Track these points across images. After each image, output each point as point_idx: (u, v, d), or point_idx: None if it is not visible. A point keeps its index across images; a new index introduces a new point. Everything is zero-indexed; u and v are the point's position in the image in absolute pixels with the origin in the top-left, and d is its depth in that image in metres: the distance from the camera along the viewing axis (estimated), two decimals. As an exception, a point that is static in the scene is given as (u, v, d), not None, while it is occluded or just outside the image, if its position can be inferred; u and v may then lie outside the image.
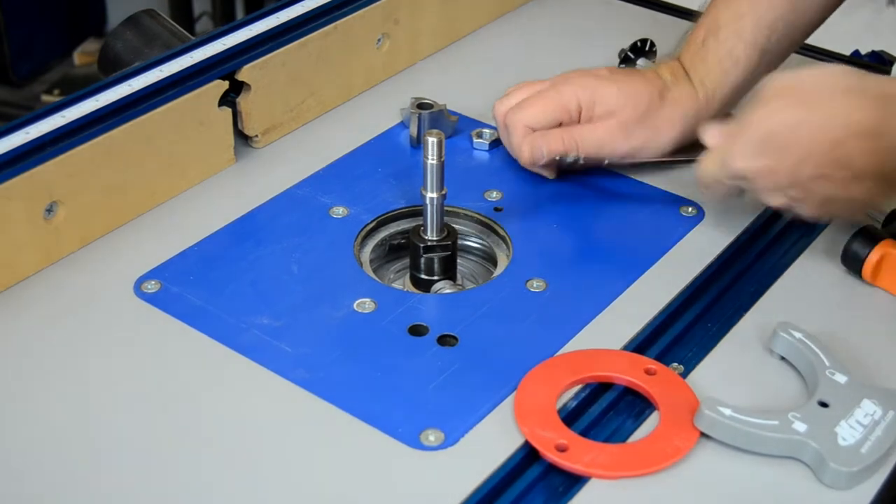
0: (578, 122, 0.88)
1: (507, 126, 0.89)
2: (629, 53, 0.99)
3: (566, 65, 1.00)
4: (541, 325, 0.76)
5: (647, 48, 1.00)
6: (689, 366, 0.73)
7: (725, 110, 0.89)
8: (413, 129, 0.93)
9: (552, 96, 0.88)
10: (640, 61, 0.99)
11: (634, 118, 0.87)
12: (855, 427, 0.66)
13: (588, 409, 0.70)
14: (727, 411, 0.66)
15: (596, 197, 0.88)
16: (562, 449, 0.66)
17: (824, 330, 0.74)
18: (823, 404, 0.68)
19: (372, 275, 0.82)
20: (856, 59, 1.05)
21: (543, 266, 0.81)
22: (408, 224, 0.87)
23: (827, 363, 0.70)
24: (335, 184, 0.89)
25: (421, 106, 0.94)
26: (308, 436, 0.68)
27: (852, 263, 0.79)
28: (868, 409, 0.67)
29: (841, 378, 0.69)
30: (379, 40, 1.01)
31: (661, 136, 0.87)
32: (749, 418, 0.66)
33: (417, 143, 0.93)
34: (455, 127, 0.95)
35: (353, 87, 1.00)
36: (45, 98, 2.56)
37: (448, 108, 0.95)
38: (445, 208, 0.82)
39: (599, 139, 0.87)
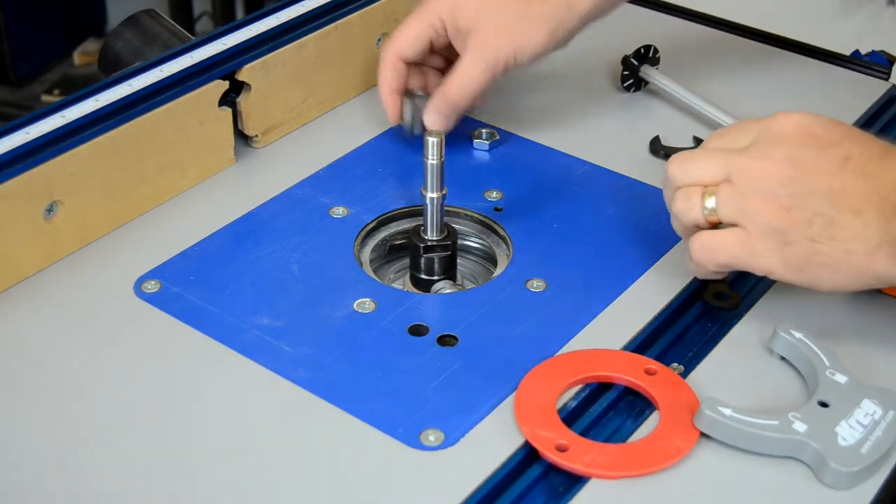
0: (447, 37, 0.89)
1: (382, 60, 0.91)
2: (632, 60, 0.99)
3: (566, 65, 1.00)
4: (541, 325, 0.76)
5: (650, 54, 1.00)
6: (689, 366, 0.73)
7: (586, 21, 0.90)
8: (407, 116, 0.92)
9: (415, 19, 0.90)
10: (644, 68, 0.99)
11: (502, 23, 0.87)
12: (855, 427, 0.66)
13: (588, 409, 0.70)
14: (727, 411, 0.66)
15: (596, 197, 0.88)
16: (562, 449, 0.66)
17: (824, 330, 0.74)
18: (823, 404, 0.68)
19: (372, 275, 0.82)
20: (856, 59, 1.05)
21: (543, 266, 0.81)
22: (408, 224, 0.87)
23: (827, 363, 0.70)
24: (335, 184, 0.89)
25: (413, 95, 0.93)
26: (308, 436, 0.68)
27: None
28: (868, 409, 0.67)
29: (841, 378, 0.69)
30: (379, 40, 1.01)
31: (533, 36, 0.88)
32: (749, 418, 0.66)
33: (412, 134, 0.93)
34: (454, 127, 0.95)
35: (353, 87, 1.00)
36: (45, 98, 2.56)
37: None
38: (445, 208, 0.82)
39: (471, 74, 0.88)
